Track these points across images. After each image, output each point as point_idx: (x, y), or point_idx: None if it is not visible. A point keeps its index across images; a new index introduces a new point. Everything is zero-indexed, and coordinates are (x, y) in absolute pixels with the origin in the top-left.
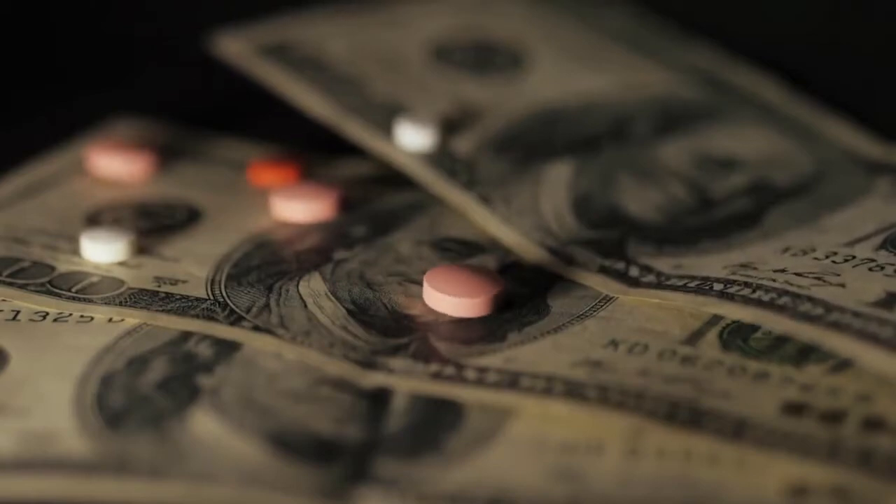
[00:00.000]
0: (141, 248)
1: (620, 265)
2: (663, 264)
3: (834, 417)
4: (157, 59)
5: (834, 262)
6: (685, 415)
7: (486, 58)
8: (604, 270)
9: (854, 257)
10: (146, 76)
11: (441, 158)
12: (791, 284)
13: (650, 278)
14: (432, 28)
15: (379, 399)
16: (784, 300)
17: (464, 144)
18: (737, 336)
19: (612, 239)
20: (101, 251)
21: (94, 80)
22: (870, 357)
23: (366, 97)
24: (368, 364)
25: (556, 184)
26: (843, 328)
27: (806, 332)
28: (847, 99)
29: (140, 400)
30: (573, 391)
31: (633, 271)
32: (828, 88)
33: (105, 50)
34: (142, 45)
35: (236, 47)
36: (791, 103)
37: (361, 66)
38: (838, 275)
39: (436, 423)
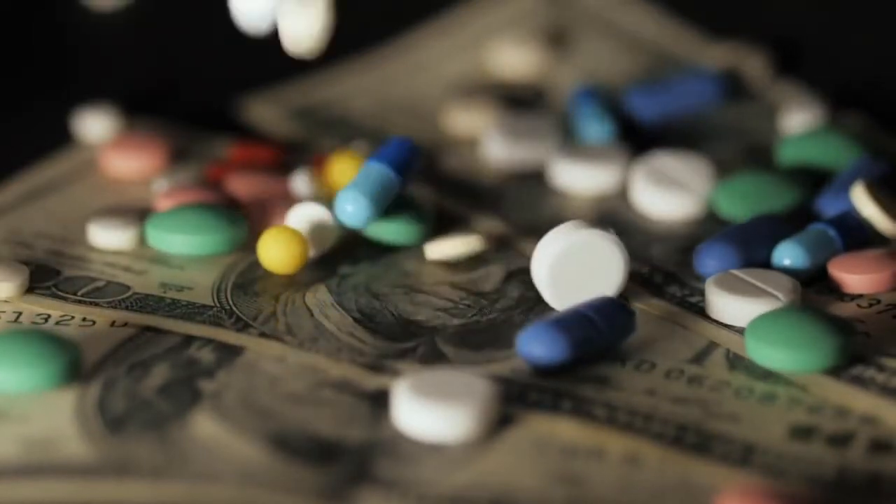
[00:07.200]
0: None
1: (644, 269)
2: (689, 274)
3: (841, 440)
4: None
5: (859, 305)
6: (693, 439)
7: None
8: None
9: (879, 302)
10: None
11: None
12: None
13: (673, 289)
14: (453, 70)
15: (380, 401)
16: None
17: None
18: (743, 355)
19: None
20: (110, 237)
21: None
22: None
23: None
24: (376, 367)
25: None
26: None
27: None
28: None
29: (141, 404)
30: (581, 409)
31: (657, 278)
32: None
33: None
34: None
35: (267, 113)
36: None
37: (388, 119)
38: (862, 322)
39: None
